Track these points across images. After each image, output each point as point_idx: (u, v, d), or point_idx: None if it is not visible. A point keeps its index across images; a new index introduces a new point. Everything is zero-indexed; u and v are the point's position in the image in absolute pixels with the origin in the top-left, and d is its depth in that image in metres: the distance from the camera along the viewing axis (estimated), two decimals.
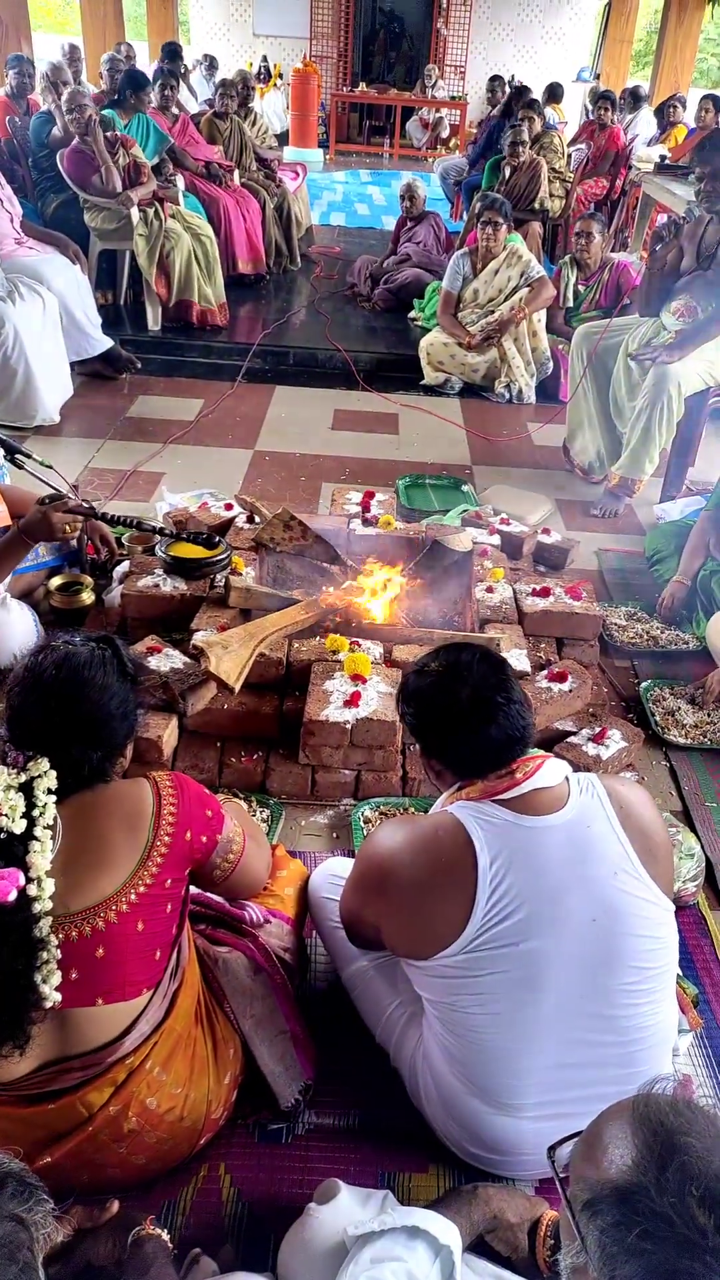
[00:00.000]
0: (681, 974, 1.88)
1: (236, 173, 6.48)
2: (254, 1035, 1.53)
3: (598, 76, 13.81)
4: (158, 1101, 1.36)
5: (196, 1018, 1.45)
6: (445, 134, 13.47)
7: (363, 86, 13.39)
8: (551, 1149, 0.95)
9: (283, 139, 11.57)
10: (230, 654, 2.29)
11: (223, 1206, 1.50)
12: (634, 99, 8.98)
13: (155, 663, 2.42)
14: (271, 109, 12.47)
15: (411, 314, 6.07)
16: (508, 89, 8.95)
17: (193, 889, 1.52)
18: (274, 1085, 1.55)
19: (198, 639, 2.38)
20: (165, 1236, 1.24)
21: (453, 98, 13.80)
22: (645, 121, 8.75)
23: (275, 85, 13.05)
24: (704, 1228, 0.72)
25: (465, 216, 6.93)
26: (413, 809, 2.28)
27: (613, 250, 5.63)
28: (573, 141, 8.27)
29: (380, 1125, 1.63)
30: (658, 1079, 0.88)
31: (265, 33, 14.15)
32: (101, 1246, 1.20)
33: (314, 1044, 1.64)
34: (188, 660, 2.43)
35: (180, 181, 5.85)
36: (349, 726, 2.28)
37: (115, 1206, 1.26)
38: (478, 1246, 1.38)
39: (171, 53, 7.95)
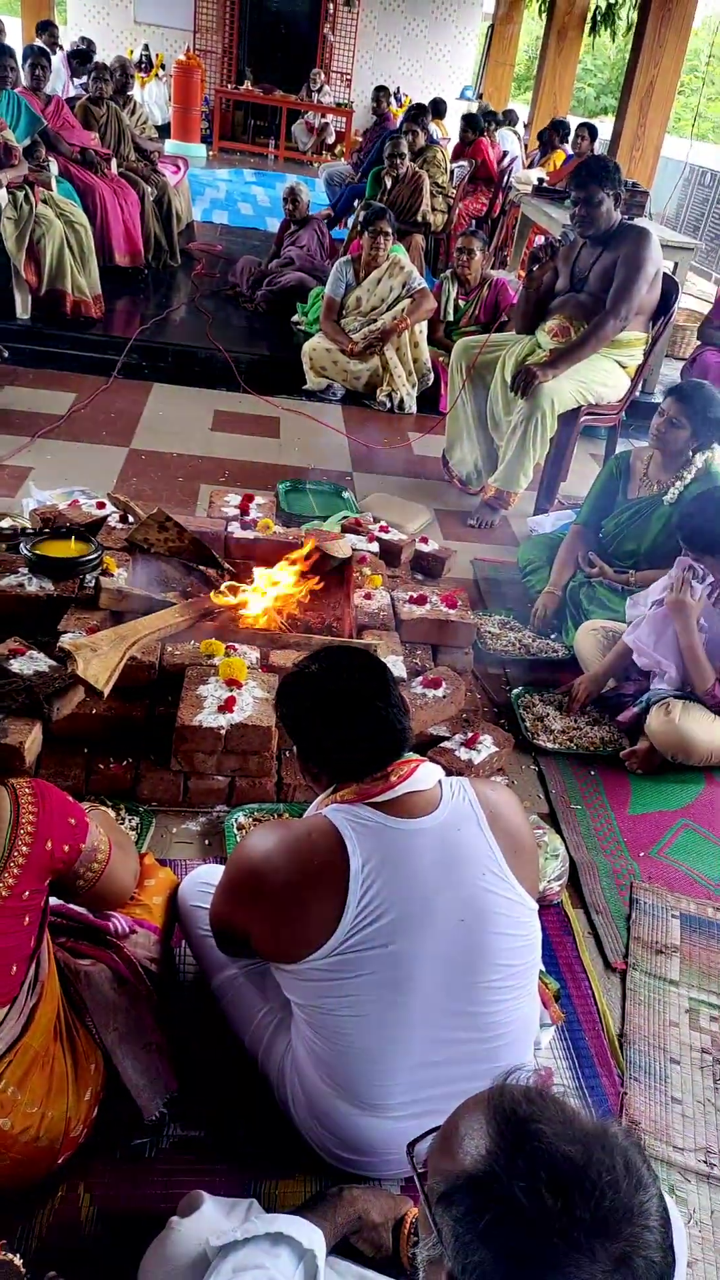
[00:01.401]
0: (544, 970, 1.94)
1: (114, 162, 6.33)
2: (117, 1049, 1.49)
3: (480, 96, 14.17)
4: (12, 1122, 1.31)
5: (56, 1033, 1.40)
6: (331, 140, 13.54)
7: (248, 85, 13.31)
8: (410, 1145, 0.96)
9: (164, 131, 11.38)
10: (99, 657, 2.23)
11: (82, 1227, 1.46)
12: (494, 119, 9.23)
13: (18, 665, 2.33)
14: (153, 100, 12.26)
15: (294, 318, 6.07)
16: (393, 100, 9.08)
17: (54, 900, 1.47)
18: (138, 1099, 1.51)
19: (65, 641, 2.30)
20: (18, 1261, 1.19)
21: (339, 104, 13.89)
22: (509, 139, 9.06)
23: (157, 76, 12.82)
24: (553, 1210, 0.74)
25: (349, 223, 6.99)
26: (288, 815, 2.28)
27: (492, 268, 5.78)
28: (454, 158, 8.45)
29: (248, 1134, 1.62)
30: (513, 1070, 0.90)
31: (148, 21, 13.87)
32: None
33: (181, 1055, 1.62)
34: (54, 663, 2.35)
35: (54, 166, 5.67)
36: (223, 732, 2.25)
37: None
38: (343, 1248, 1.38)
39: (46, 31, 7.69)
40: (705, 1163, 1.71)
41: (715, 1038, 1.95)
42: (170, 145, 10.49)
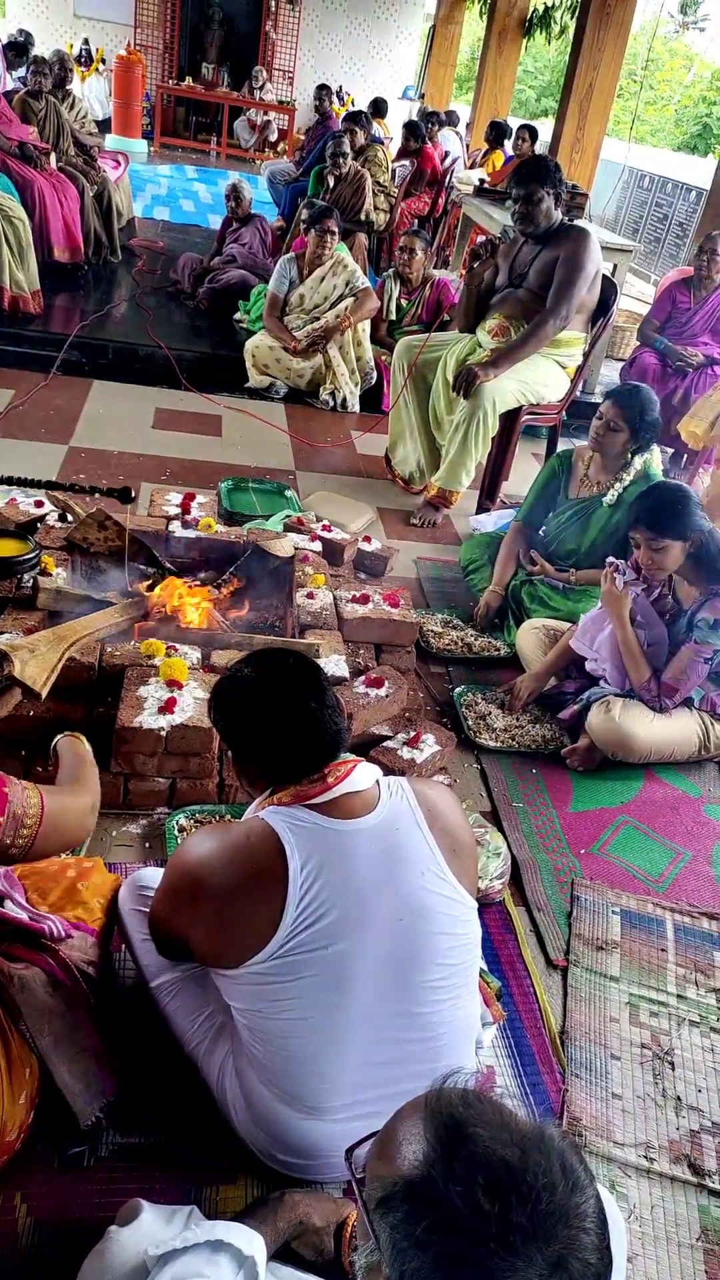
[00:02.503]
0: (486, 968, 1.95)
1: (53, 156, 6.22)
2: (51, 1054, 1.46)
3: (422, 96, 14.24)
4: None
5: None
6: (274, 138, 13.48)
7: (189, 81, 13.19)
8: (349, 1151, 0.95)
9: (105, 127, 11.23)
10: (37, 657, 2.19)
11: (17, 1238, 1.43)
12: (436, 119, 9.28)
13: None
14: (93, 94, 12.10)
15: (236, 315, 6.03)
16: (335, 99, 9.07)
17: None
18: (74, 1105, 1.49)
19: (2, 642, 2.26)
20: None
21: (281, 102, 13.83)
22: (450, 139, 9.12)
23: (97, 70, 12.65)
24: (489, 1214, 0.74)
25: (292, 222, 6.96)
26: (229, 816, 2.26)
27: (434, 267, 5.80)
28: (397, 158, 8.48)
29: (188, 1140, 1.60)
30: (451, 1073, 0.90)
31: (87, 14, 13.66)
32: None
33: (118, 1060, 1.59)
34: None
35: None
36: (164, 733, 2.23)
37: None
38: (285, 1253, 1.37)
39: None
40: (645, 1158, 1.74)
41: (655, 1033, 1.98)
42: (111, 140, 10.36)
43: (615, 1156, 1.73)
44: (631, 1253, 1.58)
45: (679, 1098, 1.86)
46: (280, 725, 1.48)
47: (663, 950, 2.18)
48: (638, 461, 3.14)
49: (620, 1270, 0.86)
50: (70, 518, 2.94)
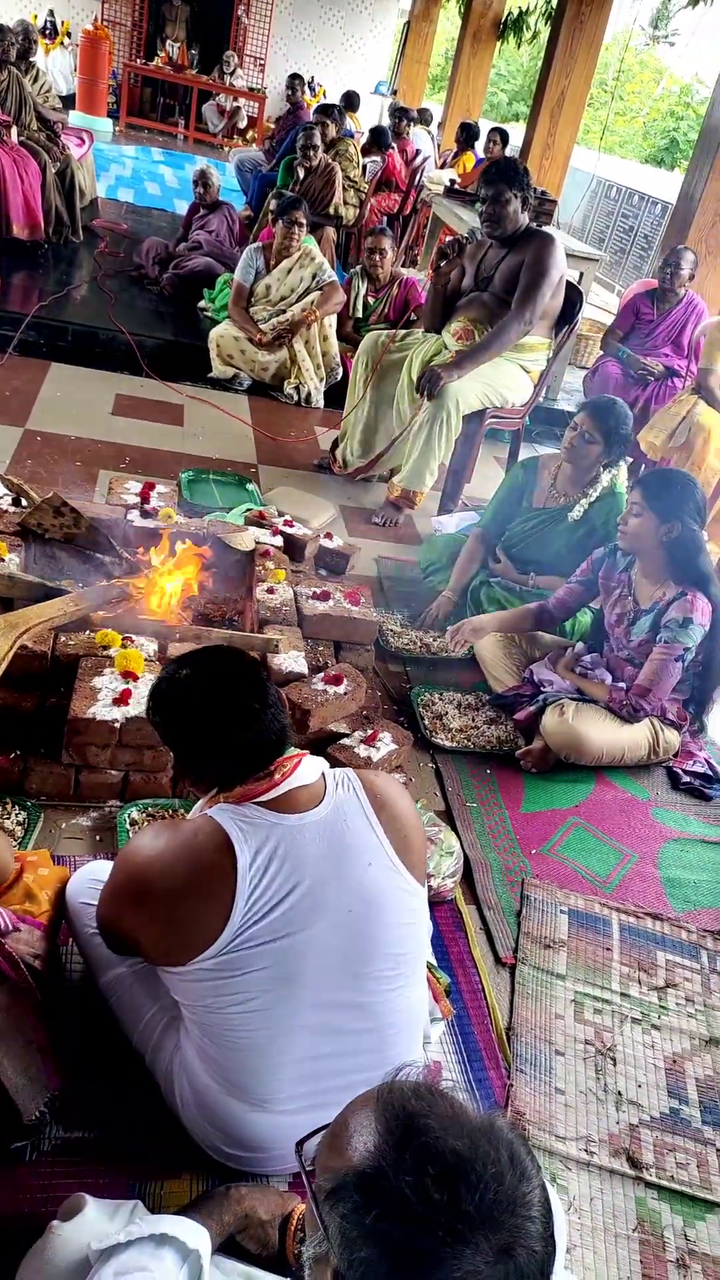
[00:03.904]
0: (436, 965, 1.97)
1: (14, 129, 6.10)
2: None
3: (394, 92, 14.23)
4: None
5: None
6: (243, 124, 13.37)
7: (158, 61, 13.01)
8: (299, 1144, 0.96)
9: (68, 103, 11.02)
10: None
11: None
12: (408, 116, 9.29)
13: None
14: (58, 69, 11.89)
15: (201, 304, 5.97)
16: (307, 90, 9.02)
17: None
18: (16, 1099, 1.47)
19: None
20: None
21: (251, 89, 13.73)
22: (421, 138, 9.14)
23: (62, 44, 12.42)
24: (439, 1204, 0.75)
25: (260, 212, 6.92)
26: (183, 810, 2.25)
27: (402, 266, 5.81)
28: (366, 153, 8.46)
29: (133, 1135, 1.59)
30: (403, 1066, 0.91)
31: None
32: None
33: (64, 1054, 1.58)
34: None
35: None
36: (118, 725, 2.20)
37: None
38: (230, 1246, 1.38)
39: None
40: (585, 1151, 1.77)
41: (598, 1030, 2.02)
42: (75, 117, 10.17)
43: (556, 1150, 1.76)
44: (570, 1243, 1.61)
45: (620, 1093, 1.89)
46: (223, 729, 1.46)
47: (608, 949, 2.22)
48: (605, 477, 3.15)
49: (560, 1259, 0.88)
50: (25, 502, 2.89)
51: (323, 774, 1.52)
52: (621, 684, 2.80)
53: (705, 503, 2.75)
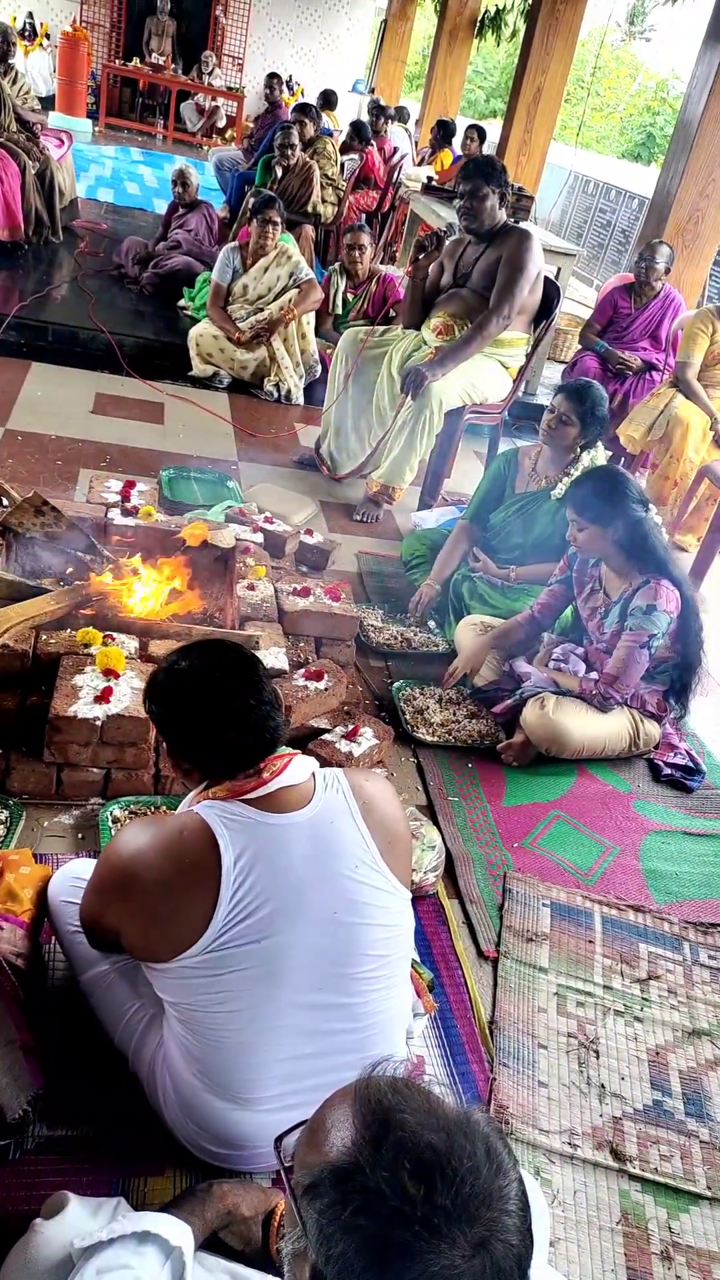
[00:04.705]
0: (419, 959, 1.97)
1: None
2: None
3: (372, 90, 14.23)
4: None
5: None
6: (222, 124, 13.34)
7: (136, 62, 12.97)
8: (278, 1140, 0.96)
9: (48, 104, 10.99)
10: None
11: None
12: (385, 114, 9.29)
13: None
14: (37, 70, 11.84)
15: (181, 302, 5.96)
16: (285, 89, 9.00)
17: None
18: (0, 1099, 1.46)
19: None
20: None
21: (230, 88, 13.69)
22: (399, 135, 9.15)
23: (41, 45, 12.37)
24: (415, 1198, 0.75)
25: (239, 211, 6.90)
26: (165, 808, 2.24)
27: (381, 263, 5.81)
28: (344, 151, 8.46)
29: (116, 1132, 1.59)
30: (380, 1061, 0.91)
31: None
32: None
33: (48, 1052, 1.57)
34: None
35: None
36: (99, 723, 2.20)
37: None
38: (213, 1242, 1.37)
39: None
40: (569, 1144, 1.78)
41: (581, 1022, 2.03)
42: (54, 118, 10.13)
43: (540, 1143, 1.77)
44: (554, 1237, 1.61)
45: (603, 1085, 1.90)
46: (217, 722, 1.47)
47: (590, 942, 2.23)
48: (585, 458, 3.18)
49: (542, 1252, 0.88)
50: (5, 501, 2.88)
51: (312, 774, 1.52)
52: (593, 675, 2.81)
53: (630, 483, 2.72)
